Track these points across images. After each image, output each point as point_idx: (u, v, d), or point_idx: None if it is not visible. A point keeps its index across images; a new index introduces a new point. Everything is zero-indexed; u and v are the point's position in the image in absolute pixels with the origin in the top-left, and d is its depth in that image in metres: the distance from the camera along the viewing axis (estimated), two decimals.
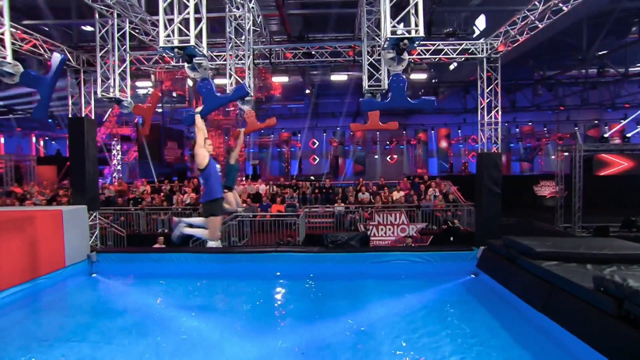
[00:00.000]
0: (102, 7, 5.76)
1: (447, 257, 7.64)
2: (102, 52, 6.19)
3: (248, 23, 5.92)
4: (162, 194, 12.71)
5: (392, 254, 7.76)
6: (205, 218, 4.38)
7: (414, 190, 12.16)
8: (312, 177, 18.91)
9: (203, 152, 3.97)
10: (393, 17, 3.68)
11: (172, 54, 3.75)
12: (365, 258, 7.72)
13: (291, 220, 10.19)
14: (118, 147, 15.98)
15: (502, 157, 26.21)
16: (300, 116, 28.36)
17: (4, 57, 4.13)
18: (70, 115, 7.46)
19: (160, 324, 5.14)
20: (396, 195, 11.91)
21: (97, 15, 6.07)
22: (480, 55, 7.55)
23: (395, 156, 27.63)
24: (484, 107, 7.65)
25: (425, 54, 7.66)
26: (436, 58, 7.76)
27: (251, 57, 6.05)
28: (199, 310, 5.92)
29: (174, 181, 13.65)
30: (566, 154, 13.67)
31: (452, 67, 18.46)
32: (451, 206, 10.88)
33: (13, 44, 6.37)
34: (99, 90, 6.16)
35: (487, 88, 7.54)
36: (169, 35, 3.67)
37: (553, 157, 24.74)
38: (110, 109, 15.48)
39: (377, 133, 27.69)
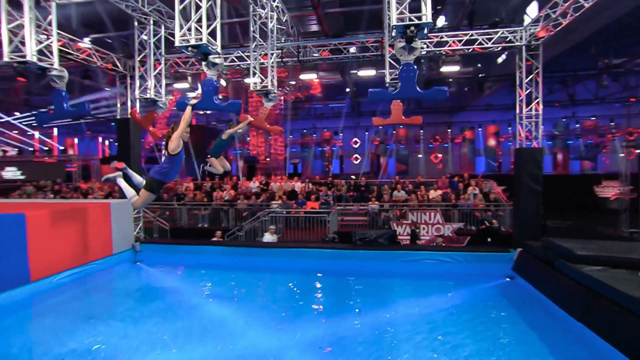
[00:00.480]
0: (141, 15, 6.27)
1: (480, 258, 7.22)
2: (140, 56, 6.73)
3: (272, 22, 6.07)
4: (203, 190, 13.43)
5: (421, 252, 7.51)
6: (144, 189, 4.61)
7: (452, 189, 11.61)
8: (352, 176, 18.81)
9: (179, 141, 4.19)
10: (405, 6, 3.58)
11: (188, 53, 3.98)
12: (393, 256, 7.56)
13: (322, 217, 10.24)
14: None
15: (559, 154, 23.98)
16: (341, 115, 28.36)
17: (52, 64, 4.63)
18: (118, 117, 8.15)
19: (192, 309, 5.64)
20: (433, 194, 11.46)
21: (136, 24, 6.61)
22: (518, 43, 7.02)
23: (439, 155, 26.56)
24: (522, 99, 7.10)
25: (458, 45, 7.30)
26: (469, 49, 7.36)
27: (274, 55, 6.19)
28: (227, 299, 6.31)
29: (214, 179, 14.34)
30: (638, 151, 12.24)
31: (500, 59, 17.32)
32: (492, 206, 10.23)
33: (70, 53, 7.15)
34: (136, 92, 6.70)
35: (526, 78, 6.99)
36: (184, 35, 3.90)
37: (622, 154, 22.23)
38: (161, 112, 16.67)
39: (421, 131, 26.85)
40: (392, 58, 5.81)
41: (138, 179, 4.86)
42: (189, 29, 3.90)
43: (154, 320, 5.30)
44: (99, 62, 7.57)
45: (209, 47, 3.97)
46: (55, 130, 23.06)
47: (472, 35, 7.23)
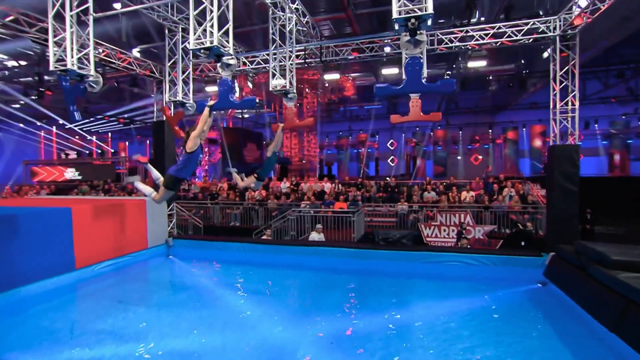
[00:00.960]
0: (171, 24, 6.72)
1: (508, 262, 6.84)
2: (170, 62, 7.21)
3: (290, 24, 6.24)
4: (236, 190, 13.95)
5: (445, 254, 7.28)
6: (162, 185, 4.87)
7: (486, 191, 11.08)
8: (387, 178, 18.54)
9: (196, 140, 4.41)
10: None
11: (201, 54, 4.22)
12: (416, 257, 7.39)
13: (348, 217, 10.22)
14: (206, 149, 18.00)
15: (616, 155, 21.95)
16: (378, 117, 28.10)
17: (89, 71, 5.13)
18: (155, 120, 8.75)
19: (217, 300, 6.01)
20: (465, 195, 11.01)
21: (166, 31, 7.11)
22: (552, 34, 6.59)
23: (480, 157, 25.41)
24: (557, 93, 6.65)
25: (483, 39, 7.01)
26: (498, 42, 7.03)
27: (293, 56, 6.35)
28: (248, 292, 6.58)
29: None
30: None
31: (545, 54, 16.24)
32: (529, 208, 9.61)
33: (112, 62, 7.83)
34: (166, 96, 7.18)
35: (560, 70, 6.54)
36: (199, 37, 4.16)
37: None
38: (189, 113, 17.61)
39: (460, 132, 25.89)
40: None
41: (156, 174, 5.20)
42: (204, 31, 4.14)
43: (181, 308, 5.73)
44: (137, 69, 8.19)
45: (221, 49, 4.18)
46: (109, 135, 25.10)
47: (499, 28, 6.91)
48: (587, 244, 5.46)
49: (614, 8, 13.76)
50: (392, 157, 28.44)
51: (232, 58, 4.39)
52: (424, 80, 3.91)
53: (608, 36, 13.81)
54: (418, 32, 3.65)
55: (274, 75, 6.33)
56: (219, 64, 4.45)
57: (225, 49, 4.25)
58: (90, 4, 5.01)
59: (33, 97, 17.40)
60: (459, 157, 26.38)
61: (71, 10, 4.89)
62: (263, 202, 12.56)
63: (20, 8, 6.24)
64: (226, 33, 4.29)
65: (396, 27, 3.64)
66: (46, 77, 17.09)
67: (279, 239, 10.85)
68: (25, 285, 6.02)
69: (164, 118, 7.52)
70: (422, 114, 5.74)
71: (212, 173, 19.99)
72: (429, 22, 3.54)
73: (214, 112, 4.64)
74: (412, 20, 3.42)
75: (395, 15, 3.47)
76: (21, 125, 21.13)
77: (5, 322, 5.11)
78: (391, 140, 28.43)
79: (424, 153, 27.14)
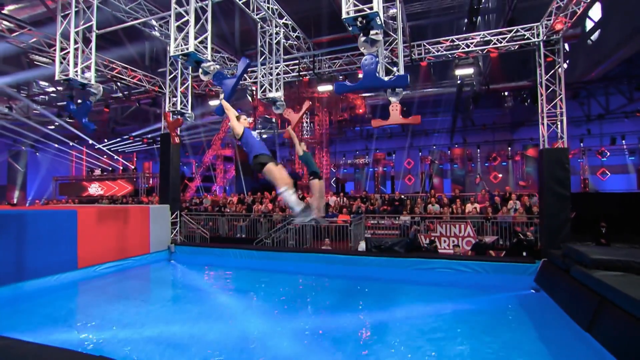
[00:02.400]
0: None
1: (501, 269, 6.66)
2: (171, 76, 7.82)
3: (277, 37, 6.67)
4: (245, 203, 14.33)
5: (437, 261, 7.19)
6: (261, 173, 4.23)
7: (490, 204, 10.82)
8: (402, 196, 18.42)
9: (237, 125, 4.31)
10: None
11: (180, 60, 4.64)
12: (407, 263, 7.34)
13: (346, 226, 10.25)
14: (221, 167, 18.69)
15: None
16: (394, 136, 28.21)
17: (90, 80, 5.70)
18: (162, 132, 9.35)
19: (212, 300, 6.39)
20: (469, 207, 10.79)
21: (167, 48, 7.74)
22: (535, 40, 6.65)
23: (500, 175, 24.75)
24: (544, 97, 6.63)
25: (469, 47, 7.15)
26: (484, 50, 7.15)
27: (280, 67, 6.74)
28: (242, 293, 6.88)
29: (256, 194, 15.22)
30: None
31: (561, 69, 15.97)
32: (534, 218, 9.29)
33: (124, 78, 8.54)
34: (167, 106, 7.73)
35: (546, 74, 6.54)
36: (178, 45, 4.59)
37: None
38: (216, 133, 18.43)
39: (478, 150, 25.45)
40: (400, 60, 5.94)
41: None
42: (183, 39, 4.58)
43: (178, 304, 6.24)
44: (147, 85, 8.88)
45: (199, 55, 4.59)
46: (134, 155, 26.55)
47: (484, 36, 7.05)
48: (572, 246, 5.27)
49: (626, 19, 13.60)
50: (409, 175, 28.24)
51: (210, 65, 4.77)
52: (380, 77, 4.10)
53: (622, 48, 13.52)
54: (371, 31, 3.88)
55: (262, 86, 6.72)
56: (200, 70, 4.84)
57: (204, 55, 4.65)
58: (93, 22, 5.64)
59: (66, 119, 18.89)
60: (478, 175, 25.82)
61: (76, 27, 5.53)
62: (268, 214, 12.81)
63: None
64: (200, 40, 4.70)
65: (349, 28, 3.89)
66: (79, 101, 18.61)
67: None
68: (31, 279, 6.51)
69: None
70: (401, 117, 5.90)
71: (227, 189, 20.61)
72: (379, 21, 3.76)
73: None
74: (360, 19, 3.67)
75: (344, 15, 3.73)
76: (55, 145, 22.83)
77: (10, 309, 5.66)
78: (408, 159, 28.31)
79: (440, 171, 26.79)
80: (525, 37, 6.76)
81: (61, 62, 5.58)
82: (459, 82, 16.41)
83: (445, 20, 14.92)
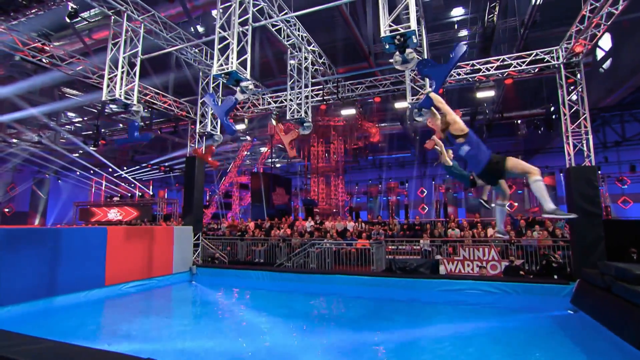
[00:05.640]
0: (205, 67, 7.82)
1: (532, 290, 6.48)
2: (202, 99, 8.22)
3: (306, 62, 7.05)
4: (263, 229, 14.37)
5: (464, 282, 7.05)
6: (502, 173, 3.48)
7: (512, 228, 10.66)
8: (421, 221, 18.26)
9: (460, 121, 3.52)
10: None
11: (222, 79, 4.94)
12: (434, 285, 7.19)
13: (369, 249, 10.17)
14: (237, 194, 18.94)
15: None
16: (407, 164, 28.41)
17: (132, 101, 6.05)
18: (187, 155, 9.66)
19: (239, 318, 6.49)
20: (491, 231, 10.64)
21: (200, 74, 8.23)
22: (555, 62, 6.88)
23: (515, 204, 24.44)
24: (567, 117, 6.75)
25: (489, 70, 7.41)
26: (504, 73, 7.40)
27: (309, 89, 7.07)
28: (267, 312, 6.81)
29: (274, 219, 15.32)
30: None
31: (574, 95, 16.19)
32: (559, 241, 9.10)
33: (155, 103, 8.98)
34: (197, 127, 8.07)
35: (568, 95, 6.70)
36: (221, 65, 4.90)
37: None
38: (233, 161, 18.84)
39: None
40: (413, 83, 6.19)
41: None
42: (225, 60, 4.90)
43: (199, 320, 6.32)
44: (175, 110, 9.31)
45: (239, 74, 4.89)
46: (151, 183, 27.13)
47: (504, 60, 7.31)
48: (610, 263, 5.15)
49: (636, 48, 13.87)
50: (422, 204, 28.08)
51: (249, 83, 5.06)
52: None
53: (635, 75, 13.73)
54: (407, 49, 4.12)
55: (290, 108, 7.02)
56: (238, 89, 5.12)
57: (244, 74, 4.95)
58: (139, 48, 6.09)
59: (91, 147, 19.64)
60: (492, 205, 25.38)
61: (124, 53, 5.97)
62: (286, 239, 12.80)
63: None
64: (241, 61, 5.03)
65: (386, 46, 4.14)
66: (103, 130, 19.48)
67: None
68: (62, 295, 6.58)
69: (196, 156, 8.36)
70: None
71: (242, 215, 20.76)
72: (415, 40, 4.01)
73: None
74: (398, 37, 3.91)
75: (382, 33, 3.99)
76: (78, 172, 23.56)
77: (42, 321, 5.74)
78: (422, 188, 28.28)
79: (454, 200, 26.61)
80: (545, 60, 6.98)
81: (108, 85, 5.98)
82: (479, 106, 16.66)
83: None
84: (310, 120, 6.97)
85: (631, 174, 21.13)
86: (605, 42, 14.27)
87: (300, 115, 6.88)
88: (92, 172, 24.22)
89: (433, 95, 3.71)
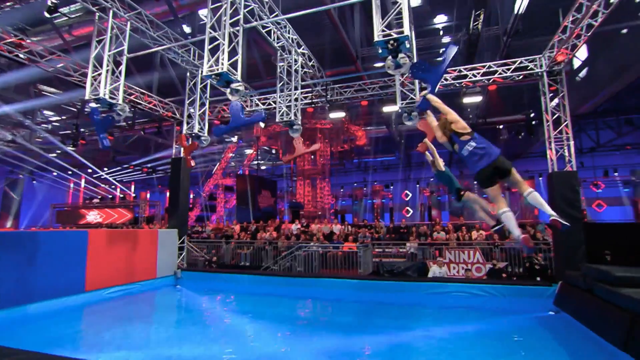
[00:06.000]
0: (192, 67, 7.68)
1: (518, 292, 6.62)
2: (189, 100, 8.08)
3: (295, 65, 7.02)
4: (249, 232, 14.19)
5: (451, 285, 7.13)
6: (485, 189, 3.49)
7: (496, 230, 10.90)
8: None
9: (463, 121, 3.55)
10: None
11: (212, 80, 4.86)
12: (421, 287, 7.24)
13: (356, 252, 10.18)
14: (222, 196, 18.67)
15: None
16: (392, 167, 28.68)
17: (117, 101, 5.87)
18: (173, 156, 9.45)
19: (226, 323, 6.29)
20: (475, 234, 10.85)
21: (188, 74, 8.08)
22: (539, 70, 7.09)
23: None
24: (550, 123, 6.95)
25: (475, 77, 7.56)
26: (490, 79, 7.57)
27: (299, 92, 7.04)
28: (255, 316, 6.67)
29: (259, 222, 15.17)
30: None
31: (553, 103, 16.75)
32: (541, 244, 9.36)
33: (140, 103, 8.75)
34: (184, 129, 7.91)
35: (550, 102, 6.91)
36: (211, 66, 4.82)
37: None
38: (218, 163, 18.58)
39: (475, 182, 25.82)
40: (402, 88, 6.25)
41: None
42: (216, 62, 4.82)
43: (185, 326, 6.09)
44: (161, 110, 9.10)
45: (230, 75, 4.81)
46: (132, 185, 26.45)
47: (489, 67, 7.48)
48: (592, 266, 5.32)
49: (612, 58, 14.44)
50: (407, 207, 28.39)
51: (240, 85, 4.99)
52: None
53: (610, 84, 14.30)
54: (400, 54, 4.15)
55: (280, 110, 6.97)
56: (228, 90, 5.05)
57: (234, 76, 4.88)
58: (125, 46, 5.93)
59: (70, 147, 18.99)
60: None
61: (109, 51, 5.80)
62: (273, 242, 12.69)
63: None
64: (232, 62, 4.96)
65: (379, 50, 4.16)
66: (82, 129, 18.87)
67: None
68: (39, 301, 6.28)
69: (181, 150, 8.17)
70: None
71: (227, 218, 20.48)
72: (407, 45, 4.04)
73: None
74: (392, 42, 3.94)
75: (376, 38, 4.01)
76: (54, 173, 22.72)
77: (17, 330, 5.44)
78: (406, 191, 28.60)
79: (438, 203, 27.03)
80: (529, 67, 7.18)
81: (92, 84, 5.79)
82: (463, 112, 16.99)
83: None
84: (300, 123, 6.94)
85: (605, 178, 22.00)
86: (582, 52, 14.84)
87: (290, 117, 6.84)
88: (70, 172, 23.43)
89: (430, 96, 3.75)
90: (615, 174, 22.07)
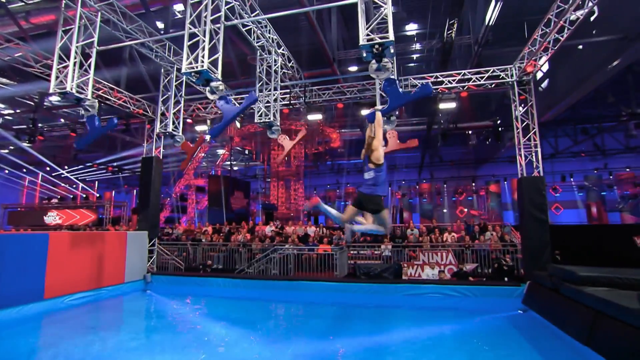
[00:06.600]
0: (167, 63, 7.37)
1: (489, 292, 6.87)
2: (163, 97, 7.76)
3: (275, 65, 6.93)
4: (221, 234, 13.84)
5: (426, 286, 7.28)
6: (375, 214, 3.96)
7: (467, 233, 11.30)
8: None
9: (382, 149, 3.86)
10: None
11: (191, 78, 4.68)
12: (397, 289, 7.35)
13: (332, 254, 10.19)
14: (193, 197, 18.11)
15: (593, 206, 22.52)
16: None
17: (86, 96, 5.52)
18: (144, 155, 9.04)
19: (200, 330, 6.00)
20: (447, 236, 11.18)
21: (162, 70, 7.76)
22: (509, 79, 7.42)
23: (465, 209, 25.96)
24: (519, 130, 7.28)
25: (451, 83, 7.80)
26: (464, 86, 7.82)
27: (278, 93, 6.95)
28: (230, 322, 6.45)
29: (232, 224, 14.85)
30: None
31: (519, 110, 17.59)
32: (508, 246, 9.79)
33: (109, 99, 8.31)
34: (157, 127, 7.59)
35: (519, 110, 7.24)
36: (190, 63, 4.64)
37: None
38: (190, 162, 18.00)
39: (444, 185, 26.69)
40: (382, 92, 6.33)
41: (335, 213, 4.43)
42: (195, 59, 4.64)
43: (156, 333, 5.77)
44: (131, 107, 8.69)
45: (210, 73, 4.66)
46: (96, 184, 25.11)
47: (464, 74, 7.74)
48: (558, 266, 5.62)
49: (571, 71, 15.34)
50: None
51: (220, 83, 4.84)
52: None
53: (568, 95, 15.23)
54: (384, 59, 4.18)
55: (258, 111, 6.85)
56: (207, 89, 4.88)
57: (215, 74, 4.73)
58: (95, 38, 5.59)
59: (26, 143, 17.71)
60: (445, 210, 26.83)
61: (77, 42, 5.44)
62: (247, 244, 12.45)
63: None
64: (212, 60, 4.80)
65: (364, 54, 4.18)
66: (40, 125, 17.67)
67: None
68: None
69: (181, 149, 7.84)
70: (399, 142, 6.19)
71: (199, 219, 19.90)
72: (392, 50, 4.09)
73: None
74: (377, 46, 3.97)
75: (362, 42, 4.03)
76: (6, 170, 21.12)
77: None
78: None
79: (409, 205, 27.65)
80: (500, 76, 7.50)
81: (57, 76, 5.40)
82: (435, 116, 17.49)
83: (415, 64, 16.29)
84: (278, 124, 6.84)
85: (562, 183, 23.39)
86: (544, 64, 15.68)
87: (269, 118, 6.74)
88: (24, 170, 21.85)
89: (378, 115, 3.96)
90: (571, 179, 23.51)
